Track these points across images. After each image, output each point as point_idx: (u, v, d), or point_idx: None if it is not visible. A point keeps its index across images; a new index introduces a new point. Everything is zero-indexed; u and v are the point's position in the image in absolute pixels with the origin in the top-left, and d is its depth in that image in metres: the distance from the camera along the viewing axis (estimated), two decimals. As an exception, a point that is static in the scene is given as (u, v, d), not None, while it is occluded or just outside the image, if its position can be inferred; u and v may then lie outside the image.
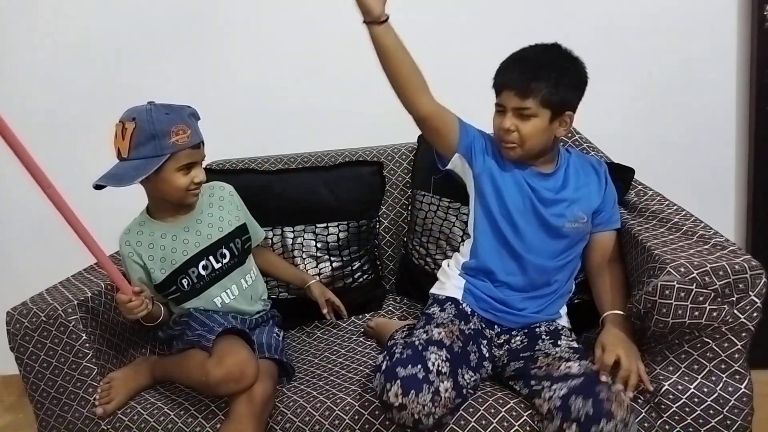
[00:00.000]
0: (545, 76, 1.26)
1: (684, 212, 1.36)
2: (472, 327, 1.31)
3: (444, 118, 1.38)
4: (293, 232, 1.67)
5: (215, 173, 1.74)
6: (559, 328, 1.35)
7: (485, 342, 1.31)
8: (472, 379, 1.21)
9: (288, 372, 1.38)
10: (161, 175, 1.31)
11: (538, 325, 1.35)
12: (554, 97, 1.26)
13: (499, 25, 1.91)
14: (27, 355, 1.33)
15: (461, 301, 1.37)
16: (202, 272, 1.42)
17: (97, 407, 1.33)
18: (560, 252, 1.37)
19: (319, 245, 1.67)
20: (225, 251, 1.45)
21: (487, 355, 1.29)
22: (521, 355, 1.27)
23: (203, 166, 1.39)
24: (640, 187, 1.55)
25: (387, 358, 1.21)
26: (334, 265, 1.67)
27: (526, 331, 1.34)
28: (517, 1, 1.89)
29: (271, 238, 1.67)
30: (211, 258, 1.44)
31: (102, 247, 1.19)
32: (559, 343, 1.27)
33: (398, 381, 1.11)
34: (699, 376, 1.15)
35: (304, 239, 1.67)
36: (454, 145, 1.39)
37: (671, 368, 1.17)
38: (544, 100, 1.26)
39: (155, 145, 1.28)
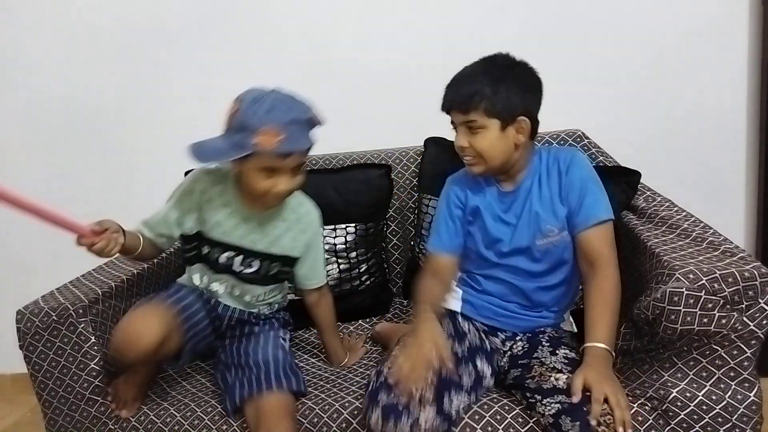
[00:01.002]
0: (481, 86, 1.23)
1: (693, 218, 1.35)
2: (468, 344, 1.29)
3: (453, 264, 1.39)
4: (301, 234, 1.68)
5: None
6: (563, 336, 1.33)
7: (485, 357, 1.28)
8: (463, 402, 1.20)
9: (302, 393, 1.32)
10: (244, 167, 1.24)
11: (542, 330, 1.33)
12: (496, 105, 1.23)
13: (512, 33, 1.91)
14: (36, 354, 1.34)
15: (459, 315, 1.36)
16: (221, 260, 1.37)
17: (120, 412, 1.36)
18: (547, 272, 1.31)
19: (326, 248, 1.67)
20: (254, 265, 1.38)
21: (488, 371, 1.27)
22: (519, 362, 1.26)
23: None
24: (648, 192, 1.54)
25: (375, 377, 1.20)
26: (342, 267, 1.68)
27: (530, 335, 1.32)
28: (530, 7, 1.89)
29: (279, 240, 1.67)
30: (237, 259, 1.37)
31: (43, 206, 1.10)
32: (557, 351, 1.24)
33: (379, 408, 1.12)
34: (707, 384, 1.14)
35: (311, 241, 1.67)
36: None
37: (679, 375, 1.16)
38: (486, 111, 1.23)
39: (241, 138, 1.19)
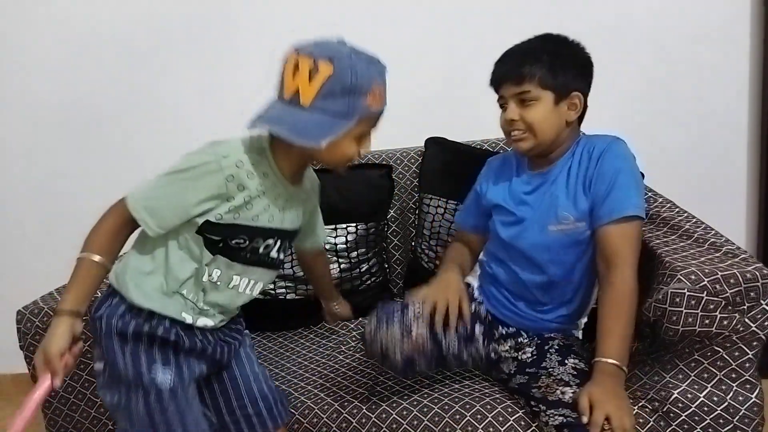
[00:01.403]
0: (537, 59, 1.22)
1: (695, 219, 1.35)
2: (473, 310, 1.30)
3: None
4: (302, 233, 1.68)
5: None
6: (573, 344, 1.29)
7: (483, 327, 1.30)
8: (454, 346, 1.22)
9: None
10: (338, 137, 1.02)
11: (552, 336, 1.30)
12: (552, 77, 1.21)
13: (512, 32, 1.90)
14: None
15: (473, 288, 1.38)
16: (261, 248, 1.14)
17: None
18: (553, 263, 1.26)
19: (327, 247, 1.67)
20: (287, 246, 1.20)
21: (480, 339, 1.28)
22: (527, 370, 1.24)
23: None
24: (650, 193, 1.54)
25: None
26: (342, 267, 1.67)
27: (539, 342, 1.29)
28: (530, 5, 1.89)
29: (280, 240, 1.67)
30: (278, 242, 1.16)
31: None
32: (565, 362, 1.21)
33: (375, 317, 1.18)
34: (709, 385, 1.14)
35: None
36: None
37: (681, 376, 1.16)
38: (542, 81, 1.21)
39: (348, 103, 1.01)
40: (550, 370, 1.20)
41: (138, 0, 1.98)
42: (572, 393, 1.12)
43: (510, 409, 1.21)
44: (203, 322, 1.13)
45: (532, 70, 1.21)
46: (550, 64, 1.21)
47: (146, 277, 1.10)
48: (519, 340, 1.31)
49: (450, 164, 1.70)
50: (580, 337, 1.35)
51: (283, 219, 1.14)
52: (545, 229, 1.25)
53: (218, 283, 1.12)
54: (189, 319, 1.11)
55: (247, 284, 1.17)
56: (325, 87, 1.00)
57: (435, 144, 1.76)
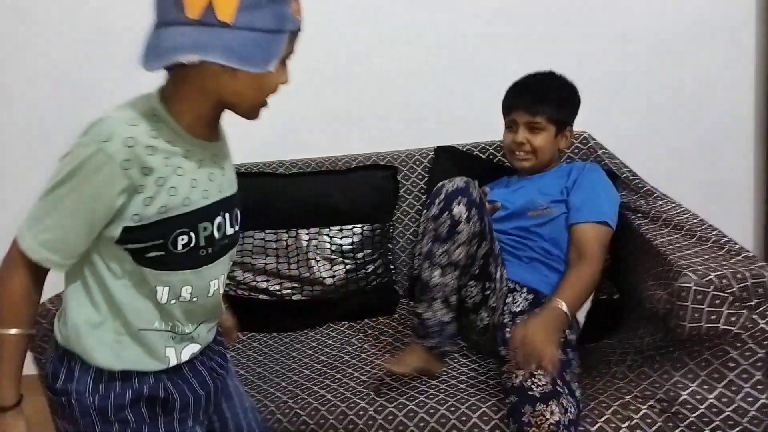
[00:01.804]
0: (550, 98, 1.49)
1: (697, 219, 1.34)
2: None
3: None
4: (308, 234, 1.68)
5: (231, 177, 1.75)
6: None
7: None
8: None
9: None
10: None
11: (542, 296, 1.41)
12: (558, 115, 1.49)
13: (519, 34, 1.91)
14: (45, 355, 1.35)
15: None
16: (216, 233, 0.93)
17: None
18: (539, 226, 1.48)
19: (333, 248, 1.67)
20: (238, 214, 1.00)
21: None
22: (516, 319, 1.36)
23: None
24: (657, 193, 1.53)
25: None
26: (348, 267, 1.68)
27: (532, 297, 1.41)
28: (537, 8, 1.89)
29: (286, 240, 1.67)
30: (227, 216, 0.96)
31: None
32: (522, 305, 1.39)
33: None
34: (719, 386, 1.14)
35: (318, 241, 1.67)
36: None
37: (690, 376, 1.15)
38: (550, 117, 1.48)
39: (276, 13, 0.80)
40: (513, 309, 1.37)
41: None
42: (519, 380, 1.18)
43: (495, 408, 1.21)
44: (189, 350, 0.96)
45: (544, 106, 1.48)
46: (557, 103, 1.49)
47: (101, 329, 0.90)
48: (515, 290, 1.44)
49: (459, 174, 1.70)
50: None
51: (220, 186, 0.94)
52: (525, 215, 1.49)
53: (194, 299, 0.93)
54: (173, 357, 0.94)
55: (222, 278, 0.99)
56: None
57: (445, 153, 1.77)
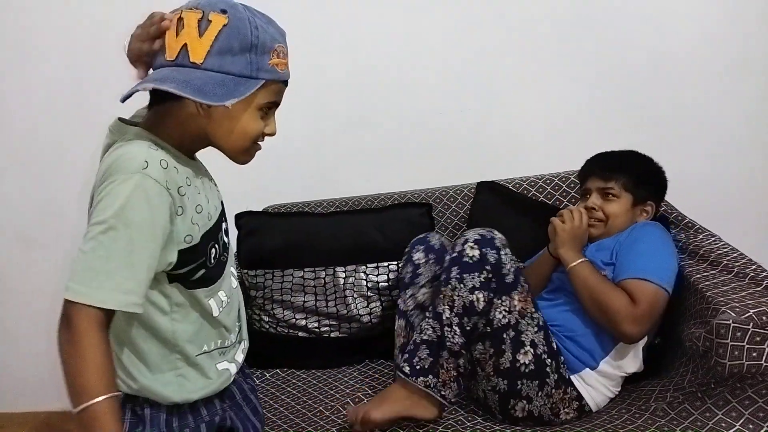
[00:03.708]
0: (626, 167, 1.46)
1: (736, 253, 1.34)
2: None
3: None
4: (345, 271, 1.71)
5: (271, 216, 1.81)
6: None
7: None
8: None
9: None
10: (234, 107, 0.87)
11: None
12: (635, 184, 1.45)
13: (545, 62, 1.94)
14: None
15: None
16: (225, 239, 1.02)
17: None
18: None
19: (369, 285, 1.70)
20: (226, 227, 1.06)
21: None
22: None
23: None
24: (698, 225, 1.53)
25: None
26: (384, 305, 1.70)
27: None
28: (583, 40, 1.91)
29: (324, 278, 1.71)
30: (223, 223, 1.04)
31: None
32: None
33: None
34: (765, 425, 1.10)
35: (355, 279, 1.71)
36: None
37: (734, 414, 1.13)
38: (625, 185, 1.44)
39: (250, 62, 0.87)
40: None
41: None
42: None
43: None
44: (240, 353, 1.06)
45: (618, 174, 1.45)
46: (633, 173, 1.45)
47: (161, 372, 0.93)
48: None
49: (502, 213, 1.74)
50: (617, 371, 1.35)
51: (219, 197, 1.03)
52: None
53: (228, 299, 1.00)
54: (231, 367, 1.02)
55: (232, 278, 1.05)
56: (219, 40, 0.85)
57: (488, 189, 1.79)
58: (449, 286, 1.27)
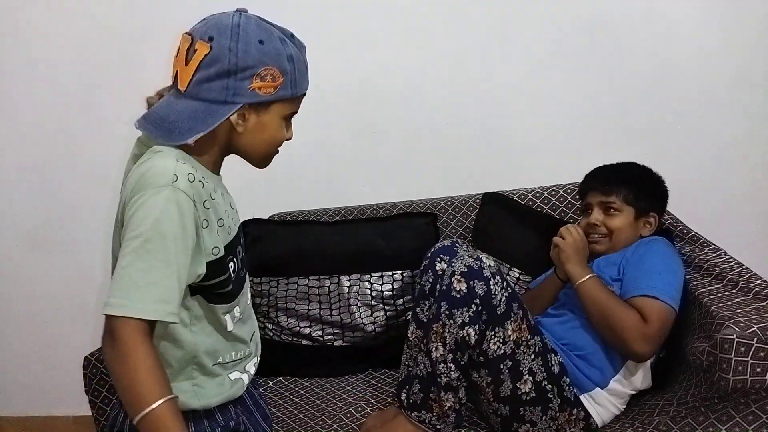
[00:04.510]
0: (626, 179, 1.45)
1: (741, 267, 1.34)
2: None
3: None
4: (349, 280, 1.72)
5: (277, 224, 1.82)
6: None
7: None
8: None
9: None
10: (263, 118, 0.94)
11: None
12: (636, 197, 1.43)
13: (550, 69, 1.94)
14: (100, 399, 1.40)
15: None
16: (242, 252, 1.06)
17: None
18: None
19: (373, 294, 1.70)
20: (244, 243, 1.10)
21: None
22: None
23: None
24: (703, 239, 1.53)
25: None
26: (389, 314, 1.70)
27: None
28: (590, 46, 1.91)
29: (328, 286, 1.72)
30: (241, 237, 1.08)
31: None
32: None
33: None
34: (769, 441, 1.10)
35: (359, 288, 1.71)
36: None
37: (737, 430, 1.13)
38: (626, 198, 1.43)
39: (227, 87, 0.90)
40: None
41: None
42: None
43: None
44: (252, 364, 1.08)
45: (619, 187, 1.43)
46: (633, 185, 1.44)
47: (177, 381, 0.96)
48: None
49: (507, 224, 1.74)
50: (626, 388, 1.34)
51: (236, 212, 1.07)
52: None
53: (242, 315, 1.02)
54: (244, 377, 1.05)
55: (245, 309, 1.07)
56: (201, 69, 0.89)
57: (493, 200, 1.79)
58: (440, 322, 1.23)
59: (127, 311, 0.82)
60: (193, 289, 0.93)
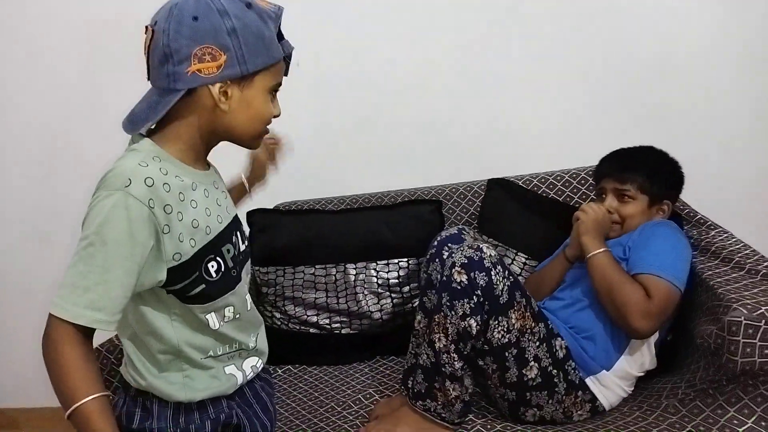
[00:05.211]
0: (641, 167, 1.43)
1: (748, 250, 1.34)
2: None
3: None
4: (355, 268, 1.72)
5: (283, 214, 1.82)
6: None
7: None
8: None
9: None
10: (247, 94, 0.90)
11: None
12: (651, 185, 1.42)
13: (555, 62, 1.93)
14: (111, 389, 1.42)
15: None
16: (234, 250, 0.99)
17: None
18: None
19: (380, 281, 1.71)
20: (244, 230, 1.07)
21: None
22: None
23: None
24: (710, 222, 1.52)
25: None
26: (395, 302, 1.71)
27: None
28: (595, 38, 1.90)
29: (335, 275, 1.72)
30: (238, 234, 1.03)
31: None
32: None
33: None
34: (778, 422, 1.10)
35: (366, 275, 1.72)
36: None
37: (746, 411, 1.13)
38: (641, 186, 1.42)
39: (168, 74, 0.86)
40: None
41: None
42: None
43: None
44: (249, 364, 1.05)
45: (634, 174, 1.42)
46: (649, 173, 1.42)
47: (167, 374, 0.96)
48: None
49: (511, 207, 1.73)
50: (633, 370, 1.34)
51: (227, 208, 1.01)
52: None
53: (237, 315, 1.00)
54: (239, 375, 1.02)
55: (243, 305, 1.03)
56: (150, 57, 0.87)
57: (499, 186, 1.78)
58: (441, 313, 1.23)
59: (60, 312, 0.83)
60: (166, 290, 0.92)
